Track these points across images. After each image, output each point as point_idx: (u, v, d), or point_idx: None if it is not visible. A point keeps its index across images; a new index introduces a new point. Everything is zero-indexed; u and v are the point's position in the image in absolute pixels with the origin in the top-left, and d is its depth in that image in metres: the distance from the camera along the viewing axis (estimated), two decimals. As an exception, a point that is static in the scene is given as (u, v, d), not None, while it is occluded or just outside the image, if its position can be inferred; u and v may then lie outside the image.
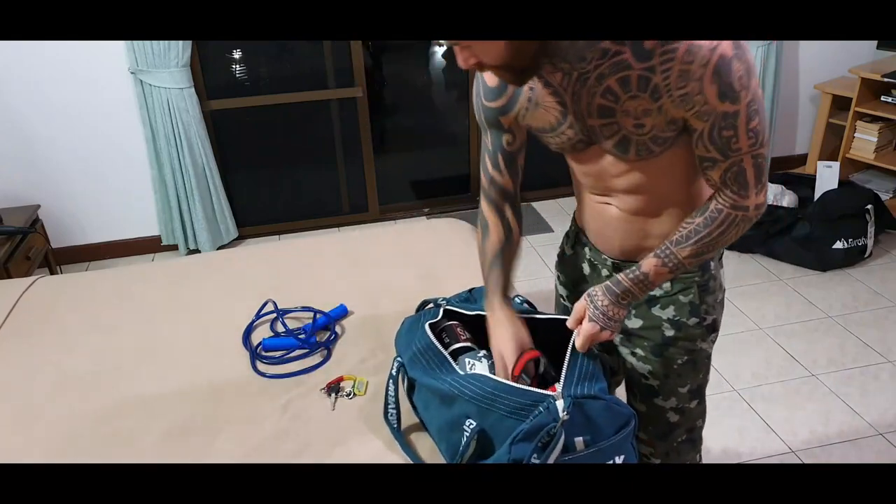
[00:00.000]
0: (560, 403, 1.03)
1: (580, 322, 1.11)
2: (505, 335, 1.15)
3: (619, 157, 1.05)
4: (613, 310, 1.08)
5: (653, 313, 1.19)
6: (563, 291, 1.41)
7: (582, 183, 1.19)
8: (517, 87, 1.07)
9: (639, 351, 1.23)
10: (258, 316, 1.70)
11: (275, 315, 1.70)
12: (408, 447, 1.24)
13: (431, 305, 1.39)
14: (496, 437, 1.08)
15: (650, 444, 1.30)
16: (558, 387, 1.07)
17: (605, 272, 1.24)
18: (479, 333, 1.29)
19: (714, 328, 1.20)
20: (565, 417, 1.01)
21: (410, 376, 1.26)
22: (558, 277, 1.42)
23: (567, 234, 1.37)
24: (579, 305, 1.12)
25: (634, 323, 1.22)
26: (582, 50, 0.95)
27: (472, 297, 1.41)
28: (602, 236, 1.22)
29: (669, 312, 1.18)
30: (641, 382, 1.25)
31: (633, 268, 1.08)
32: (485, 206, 1.25)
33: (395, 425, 1.27)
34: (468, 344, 1.26)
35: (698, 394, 1.25)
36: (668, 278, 1.08)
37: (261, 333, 1.65)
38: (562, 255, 1.39)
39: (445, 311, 1.33)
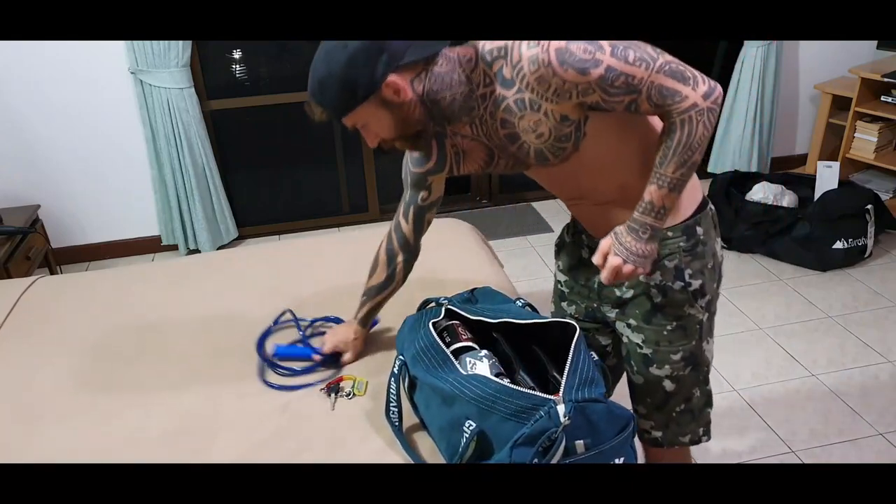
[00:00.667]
0: (561, 408, 1.03)
1: (605, 257, 1.13)
2: (334, 337, 1.50)
3: (549, 165, 1.14)
4: (636, 245, 1.10)
5: (641, 280, 1.23)
6: (561, 278, 1.44)
7: (558, 195, 1.30)
8: (423, 151, 1.23)
9: (632, 321, 1.27)
10: (276, 323, 1.67)
11: (292, 324, 1.67)
12: (408, 446, 1.24)
13: (433, 304, 1.39)
14: (496, 438, 1.08)
15: (649, 416, 1.33)
16: (560, 392, 1.07)
17: None
18: (479, 334, 1.29)
19: (702, 293, 1.23)
20: (566, 423, 1.01)
21: (412, 374, 1.26)
22: (558, 266, 1.45)
23: (567, 226, 1.42)
24: (605, 242, 1.14)
25: (626, 293, 1.26)
26: (464, 107, 1.09)
27: (473, 297, 1.41)
28: (593, 227, 1.30)
29: (656, 278, 1.22)
30: (637, 352, 1.29)
31: (640, 202, 1.11)
32: (381, 248, 1.46)
33: (397, 424, 1.27)
34: (469, 343, 1.26)
35: (692, 360, 1.27)
36: (673, 198, 1.08)
37: (272, 340, 1.64)
38: (561, 244, 1.43)
39: (447, 310, 1.33)
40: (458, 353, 1.23)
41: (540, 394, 1.07)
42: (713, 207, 1.26)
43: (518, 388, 1.09)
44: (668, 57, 1.01)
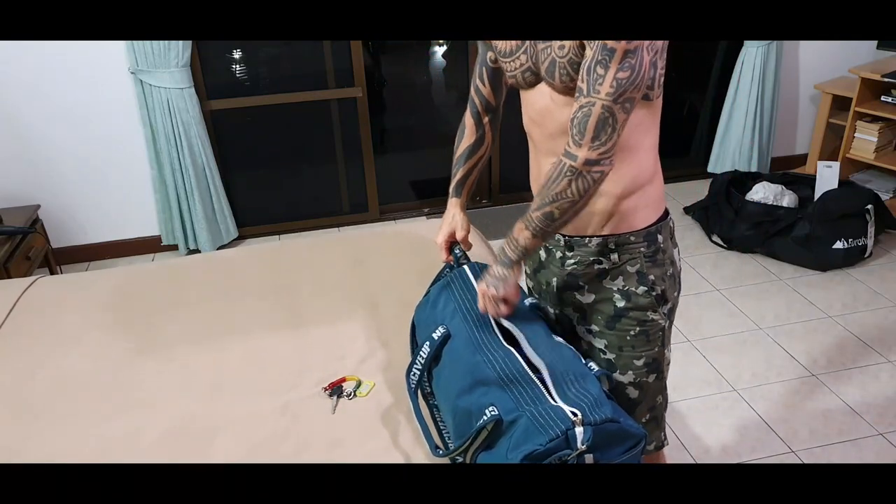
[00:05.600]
0: (580, 432, 1.01)
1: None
2: (443, 222, 1.45)
3: (552, 88, 1.12)
4: (495, 268, 1.18)
5: (604, 286, 1.24)
6: (528, 282, 1.46)
7: (532, 140, 1.26)
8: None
9: (594, 326, 1.28)
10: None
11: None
12: (419, 409, 1.26)
13: (448, 271, 1.45)
14: (507, 432, 1.07)
15: None
16: (578, 413, 1.06)
17: (558, 254, 1.28)
18: None
19: (664, 299, 1.24)
20: (583, 449, 1.01)
21: (449, 328, 1.29)
22: (525, 269, 1.45)
23: None
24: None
25: (587, 298, 1.27)
26: None
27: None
28: (536, 183, 1.29)
29: (619, 283, 1.22)
30: (600, 357, 1.29)
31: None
32: (467, 113, 1.41)
33: (413, 387, 1.27)
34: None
35: (655, 368, 1.28)
36: (534, 243, 1.13)
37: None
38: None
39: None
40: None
41: (566, 408, 1.05)
42: (672, 219, 1.27)
43: (546, 396, 1.08)
44: (622, 109, 1.00)
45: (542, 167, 1.23)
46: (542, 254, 1.34)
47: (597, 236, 1.21)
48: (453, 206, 1.44)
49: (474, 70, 1.38)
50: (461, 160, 1.43)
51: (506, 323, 1.25)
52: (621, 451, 1.06)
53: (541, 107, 1.18)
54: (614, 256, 1.21)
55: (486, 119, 1.40)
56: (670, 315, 1.26)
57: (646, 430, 1.29)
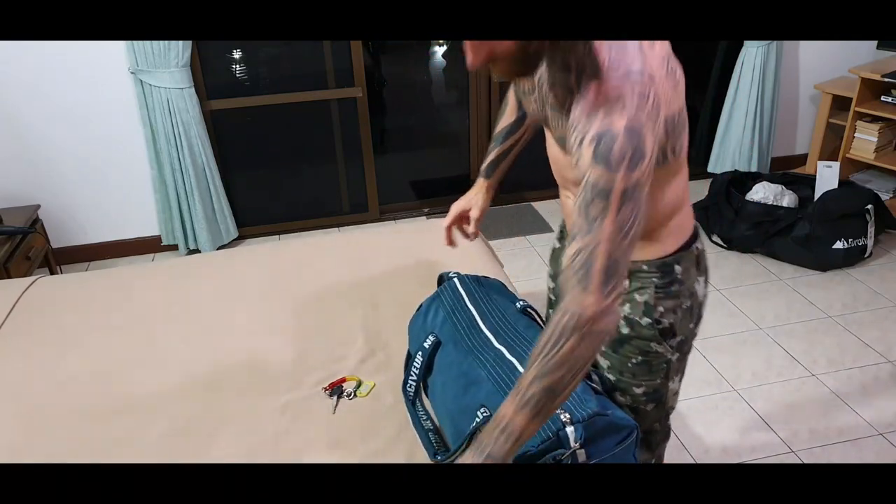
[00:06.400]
0: (571, 431, 1.02)
1: None
2: (465, 196, 1.39)
3: (551, 132, 1.04)
4: (469, 456, 0.93)
5: None
6: (550, 284, 1.43)
7: (553, 175, 1.20)
8: (524, 76, 0.99)
9: None
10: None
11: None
12: (418, 420, 1.25)
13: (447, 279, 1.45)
14: None
15: None
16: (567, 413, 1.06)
17: None
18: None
19: (672, 333, 1.16)
20: (577, 447, 1.01)
21: (439, 336, 1.28)
22: (549, 271, 1.44)
23: (560, 229, 1.40)
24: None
25: None
26: (570, 43, 0.91)
27: (480, 285, 1.43)
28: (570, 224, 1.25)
29: (626, 309, 1.16)
30: (603, 375, 1.26)
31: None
32: (510, 91, 1.32)
33: (411, 398, 1.27)
34: None
35: (655, 397, 1.23)
36: (534, 426, 0.90)
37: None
38: (553, 249, 1.42)
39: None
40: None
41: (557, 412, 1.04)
42: (700, 247, 1.18)
43: None
44: (626, 248, 0.87)
45: (565, 202, 1.20)
46: (564, 262, 1.32)
47: None
48: (480, 185, 1.38)
49: None
50: (498, 139, 1.35)
51: (495, 324, 1.26)
52: (613, 444, 1.06)
53: (553, 152, 1.12)
54: (625, 283, 1.12)
55: None
56: (681, 347, 1.19)
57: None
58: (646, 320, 1.15)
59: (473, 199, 1.39)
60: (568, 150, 0.95)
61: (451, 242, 1.43)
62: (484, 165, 1.39)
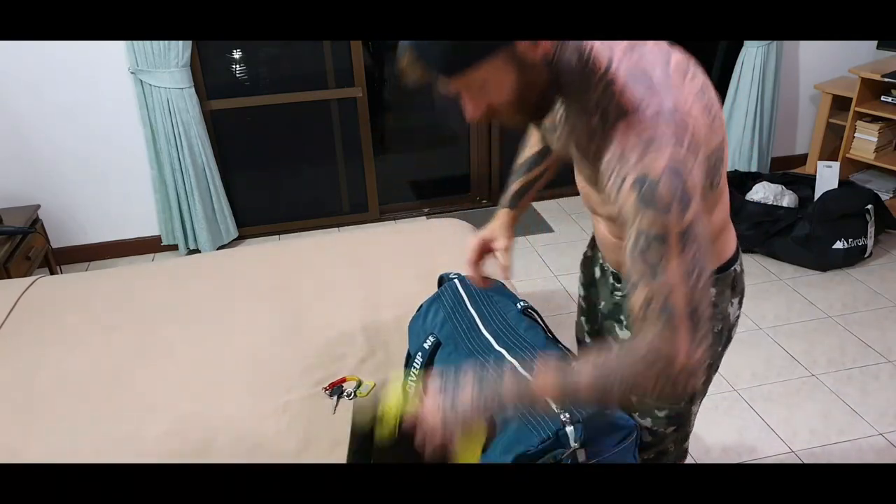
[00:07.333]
0: (571, 431, 1.02)
1: None
2: (487, 228, 1.27)
3: (577, 163, 1.01)
4: (467, 394, 0.91)
5: None
6: (581, 291, 1.40)
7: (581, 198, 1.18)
8: (534, 122, 0.98)
9: None
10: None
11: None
12: None
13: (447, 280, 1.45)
14: (500, 434, 1.08)
15: None
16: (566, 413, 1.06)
17: (611, 280, 1.24)
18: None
19: None
20: (576, 447, 1.01)
21: (440, 337, 1.28)
22: (580, 278, 1.41)
23: (593, 236, 1.36)
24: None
25: (624, 334, 1.22)
26: (583, 85, 0.89)
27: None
28: (602, 247, 1.23)
29: None
30: None
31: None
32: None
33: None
34: None
35: (677, 422, 1.21)
36: (556, 394, 0.88)
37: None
38: (584, 255, 1.39)
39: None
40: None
41: (556, 408, 1.04)
42: (739, 268, 1.14)
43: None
44: (705, 293, 0.80)
45: (597, 225, 1.17)
46: (597, 271, 1.29)
47: None
48: (504, 216, 1.28)
49: None
50: (520, 171, 1.29)
51: (496, 327, 1.26)
52: (613, 444, 1.06)
53: (581, 184, 1.08)
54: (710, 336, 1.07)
55: None
56: (707, 372, 1.15)
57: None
58: None
59: (498, 230, 1.27)
60: (601, 189, 0.91)
61: (483, 282, 1.26)
62: (508, 196, 1.30)
